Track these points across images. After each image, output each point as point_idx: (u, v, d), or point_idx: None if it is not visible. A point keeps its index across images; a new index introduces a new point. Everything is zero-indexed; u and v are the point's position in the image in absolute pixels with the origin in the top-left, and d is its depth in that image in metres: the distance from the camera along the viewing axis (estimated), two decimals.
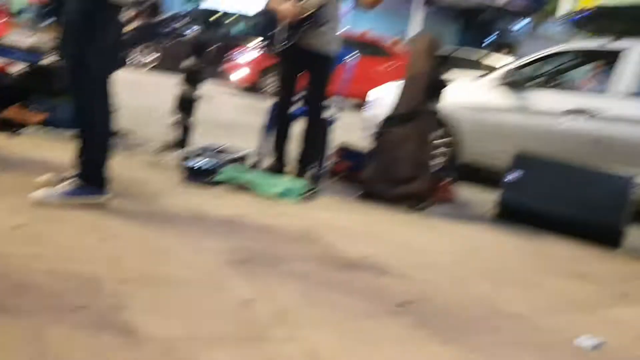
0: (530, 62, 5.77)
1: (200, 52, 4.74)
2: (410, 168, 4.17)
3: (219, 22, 14.56)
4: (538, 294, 2.87)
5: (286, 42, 4.07)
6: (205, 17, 14.68)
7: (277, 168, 4.24)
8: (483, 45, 20.61)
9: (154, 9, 14.32)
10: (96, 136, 2.93)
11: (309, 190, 3.96)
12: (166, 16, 14.21)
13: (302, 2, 4.01)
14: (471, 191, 5.21)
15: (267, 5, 4.23)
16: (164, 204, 3.24)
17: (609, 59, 5.48)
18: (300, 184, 3.96)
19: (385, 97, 5.72)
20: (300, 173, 4.21)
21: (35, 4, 14.78)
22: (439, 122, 4.88)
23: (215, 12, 15.14)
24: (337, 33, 4.20)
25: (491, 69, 14.76)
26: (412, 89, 4.36)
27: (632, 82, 5.03)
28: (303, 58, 4.09)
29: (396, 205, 4.10)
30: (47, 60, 4.72)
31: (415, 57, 4.45)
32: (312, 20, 4.02)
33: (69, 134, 4.31)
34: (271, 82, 10.39)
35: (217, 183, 3.85)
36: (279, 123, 4.28)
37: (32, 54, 4.85)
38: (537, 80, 5.98)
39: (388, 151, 4.28)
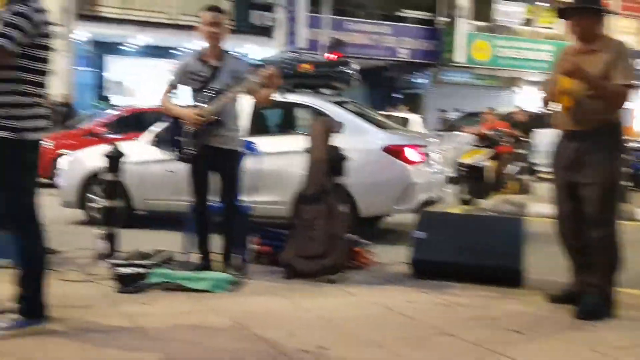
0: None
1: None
2: (325, 242, 4.61)
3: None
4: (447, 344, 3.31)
5: (192, 147, 4.50)
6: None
7: (204, 264, 4.59)
8: (392, 101, 21.71)
9: (69, 114, 14.55)
10: (32, 267, 3.23)
11: (236, 280, 4.33)
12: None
13: (202, 108, 4.46)
14: (384, 251, 5.66)
15: (164, 107, 4.65)
16: (100, 318, 3.53)
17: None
18: (226, 275, 4.33)
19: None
20: (226, 264, 4.58)
21: None
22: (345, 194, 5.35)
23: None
24: (237, 130, 4.68)
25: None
26: (316, 169, 4.85)
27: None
28: (212, 158, 4.53)
29: (317, 281, 4.50)
30: None
31: (314, 140, 4.96)
32: (214, 123, 4.48)
33: (2, 264, 4.56)
34: None
35: (149, 286, 4.16)
36: (198, 222, 4.66)
37: None
38: None
39: (303, 230, 4.72)
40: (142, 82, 20.45)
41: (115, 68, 20.44)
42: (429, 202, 6.59)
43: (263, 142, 5.92)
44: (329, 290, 4.38)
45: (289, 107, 7.08)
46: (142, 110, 11.78)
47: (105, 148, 5.19)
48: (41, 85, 3.24)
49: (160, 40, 19.67)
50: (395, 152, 6.37)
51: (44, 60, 3.21)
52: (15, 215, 3.23)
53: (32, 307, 3.20)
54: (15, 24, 3.03)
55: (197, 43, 16.89)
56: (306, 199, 4.79)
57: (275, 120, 7.43)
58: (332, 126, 4.97)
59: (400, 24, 22.79)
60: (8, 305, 3.30)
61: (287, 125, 7.32)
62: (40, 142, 3.28)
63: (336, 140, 4.95)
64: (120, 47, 20.23)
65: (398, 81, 23.59)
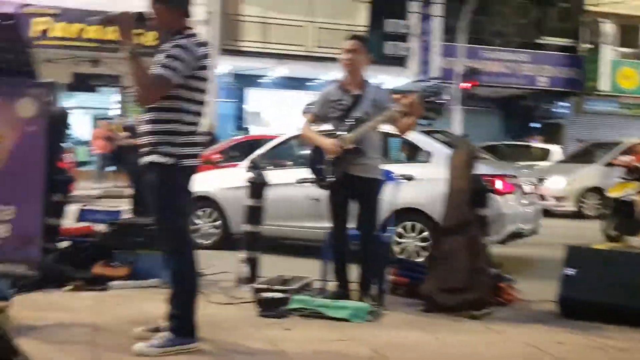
0: (272, 147, 7.52)
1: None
2: (467, 276, 4.46)
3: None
4: None
5: (333, 175, 4.54)
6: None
7: (341, 292, 4.59)
8: (530, 131, 20.95)
9: (211, 143, 15.32)
10: (184, 288, 3.37)
11: (375, 310, 4.28)
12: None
13: (343, 136, 4.50)
14: (529, 287, 5.37)
15: (305, 136, 4.73)
16: (245, 340, 3.62)
17: None
18: (365, 305, 4.29)
19: None
20: (363, 294, 4.54)
21: (98, 154, 16.02)
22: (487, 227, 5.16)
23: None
24: (378, 158, 4.66)
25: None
26: (457, 200, 4.73)
27: None
28: (351, 186, 4.54)
29: (459, 315, 4.35)
30: (125, 217, 5.32)
31: (455, 169, 4.84)
32: (354, 151, 4.50)
33: (152, 284, 4.83)
34: None
35: (289, 312, 4.22)
36: (336, 250, 4.67)
37: (111, 213, 5.48)
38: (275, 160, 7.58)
39: (444, 262, 4.59)
40: (279, 112, 21.17)
41: (254, 99, 21.31)
42: (517, 234, 6.51)
43: None
44: (472, 326, 4.22)
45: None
46: (254, 138, 12.15)
47: (237, 173, 5.32)
48: (199, 114, 3.42)
49: (297, 72, 20.30)
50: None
51: (202, 91, 3.39)
52: (170, 237, 3.40)
53: (183, 326, 3.33)
54: (179, 56, 3.23)
55: (333, 74, 17.23)
56: (446, 230, 4.67)
57: None
58: (475, 154, 4.83)
59: (540, 51, 21.99)
60: (160, 324, 3.46)
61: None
62: (194, 168, 3.45)
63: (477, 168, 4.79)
64: (259, 79, 21.09)
65: (536, 110, 22.70)
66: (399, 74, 20.68)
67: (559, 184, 12.98)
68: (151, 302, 4.33)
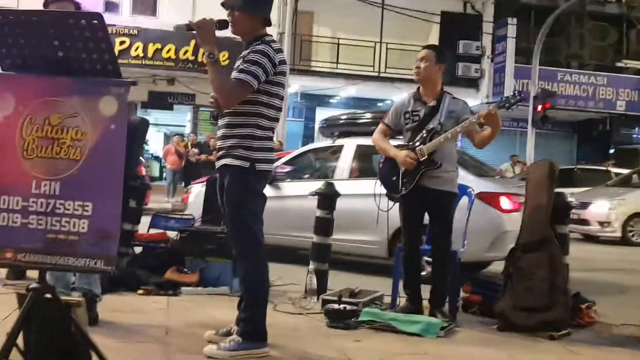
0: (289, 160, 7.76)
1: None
2: (546, 295, 4.26)
3: None
4: None
5: (406, 187, 4.44)
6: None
7: (412, 306, 4.46)
8: (607, 157, 20.24)
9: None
10: (255, 292, 3.34)
11: (447, 326, 4.14)
12: None
13: (417, 148, 4.41)
14: (611, 310, 5.09)
15: (377, 147, 4.65)
16: (315, 349, 3.55)
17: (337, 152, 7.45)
18: (437, 320, 4.15)
19: None
20: (434, 310, 4.40)
21: (169, 170, 16.42)
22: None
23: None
24: (454, 171, 4.53)
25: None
26: (537, 215, 4.54)
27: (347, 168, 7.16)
28: (424, 199, 4.43)
29: (535, 335, 4.16)
30: (196, 225, 5.37)
31: (535, 184, 4.66)
32: (428, 164, 4.39)
33: (221, 291, 4.85)
34: None
35: (359, 324, 4.12)
36: (407, 264, 4.55)
37: (182, 220, 5.55)
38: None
39: (521, 280, 4.40)
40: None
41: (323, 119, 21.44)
42: None
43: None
44: (550, 347, 4.01)
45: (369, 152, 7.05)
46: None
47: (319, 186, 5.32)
48: (275, 120, 3.42)
49: (366, 92, 20.34)
50: (488, 199, 6.29)
51: (280, 97, 3.40)
52: (242, 240, 3.38)
53: (253, 330, 3.29)
54: (258, 61, 3.25)
55: (401, 95, 17.17)
56: (525, 246, 4.48)
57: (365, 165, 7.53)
58: (556, 170, 4.63)
59: (618, 74, 21.27)
60: (231, 328, 3.43)
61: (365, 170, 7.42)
62: (269, 172, 3.44)
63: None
64: (329, 99, 21.22)
65: (614, 134, 21.90)
66: (471, 95, 20.39)
67: (602, 208, 12.35)
68: (220, 309, 4.35)
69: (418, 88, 4.61)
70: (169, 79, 17.95)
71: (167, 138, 19.38)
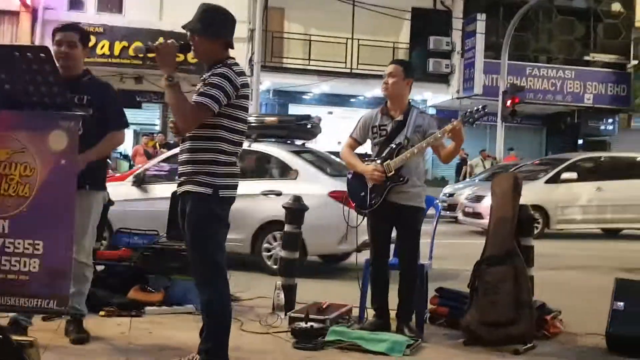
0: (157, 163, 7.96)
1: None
2: (511, 310, 4.26)
3: None
4: None
5: (374, 202, 4.41)
6: None
7: (379, 323, 4.43)
8: (575, 149, 20.49)
9: None
10: (216, 321, 3.27)
11: (412, 343, 4.12)
12: None
13: (385, 163, 4.37)
14: (576, 320, 5.12)
15: (345, 161, 4.63)
16: None
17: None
18: (403, 338, 4.13)
19: None
20: (401, 325, 4.38)
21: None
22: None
23: None
24: (421, 186, 4.51)
25: None
26: (502, 228, 4.53)
27: None
28: (392, 213, 4.40)
29: (501, 350, 4.16)
30: (160, 242, 5.27)
31: (501, 197, 4.65)
32: (395, 179, 4.36)
33: (186, 310, 4.78)
34: None
35: (326, 343, 4.08)
36: (375, 278, 4.52)
37: (146, 236, 5.45)
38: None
39: (486, 294, 4.40)
40: (322, 129, 21.07)
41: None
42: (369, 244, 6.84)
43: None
44: None
45: (252, 155, 7.65)
46: None
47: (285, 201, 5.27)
48: (239, 144, 3.34)
49: (339, 88, 20.29)
50: (339, 197, 6.47)
51: (242, 121, 3.32)
52: (204, 269, 3.31)
53: (217, 355, 3.23)
54: (218, 85, 3.17)
55: (374, 91, 17.17)
56: (490, 260, 4.48)
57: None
58: (520, 182, 4.63)
59: (586, 68, 21.50)
60: (194, 357, 3.37)
61: (251, 172, 7.65)
62: (232, 198, 3.36)
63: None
64: (302, 95, 21.13)
65: (582, 127, 22.15)
66: (442, 91, 20.51)
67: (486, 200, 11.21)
68: (185, 330, 4.28)
69: (385, 102, 4.57)
70: (136, 77, 17.69)
71: (137, 135, 19.12)
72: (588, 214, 12.32)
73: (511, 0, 20.12)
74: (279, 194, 6.90)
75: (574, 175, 12.30)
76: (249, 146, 7.18)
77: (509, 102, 17.41)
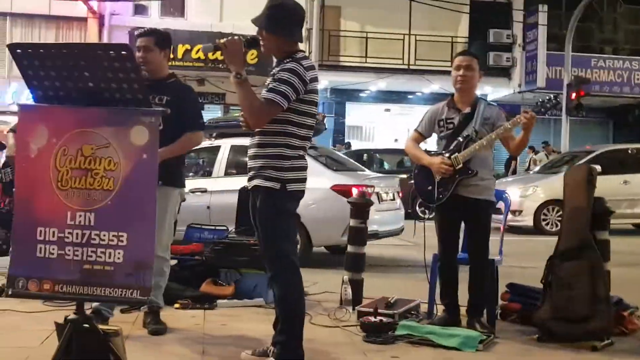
0: None
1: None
2: (587, 305, 4.14)
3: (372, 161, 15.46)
4: None
5: (442, 196, 4.36)
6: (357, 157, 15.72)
7: (449, 318, 4.39)
8: None
9: None
10: (290, 313, 3.30)
11: (485, 339, 4.06)
12: None
13: (452, 156, 4.32)
14: None
15: (410, 155, 4.60)
16: None
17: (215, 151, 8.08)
18: (475, 333, 4.08)
19: None
20: (472, 320, 4.32)
21: None
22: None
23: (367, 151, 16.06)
24: (490, 179, 4.44)
25: None
26: (576, 221, 4.41)
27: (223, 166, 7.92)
28: (460, 207, 4.34)
29: (577, 346, 4.05)
30: (231, 236, 5.36)
31: (574, 188, 4.53)
32: (463, 172, 4.31)
33: (256, 303, 4.85)
34: None
35: (396, 338, 4.07)
36: (444, 274, 4.48)
37: (216, 231, 5.55)
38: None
39: (561, 289, 4.29)
40: (379, 126, 21.08)
41: (354, 113, 21.35)
42: (374, 235, 7.14)
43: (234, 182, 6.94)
44: (592, 357, 3.91)
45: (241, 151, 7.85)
46: None
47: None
48: (307, 138, 3.36)
49: (396, 85, 20.16)
50: (341, 191, 7.03)
51: (310, 115, 3.33)
52: (274, 262, 3.35)
53: (289, 352, 3.27)
54: (287, 80, 3.19)
55: (431, 87, 16.96)
56: (564, 254, 4.37)
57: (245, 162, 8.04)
58: (595, 174, 4.49)
59: None
60: (268, 349, 3.41)
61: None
62: (301, 192, 3.39)
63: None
64: (359, 93, 21.10)
65: None
66: (502, 85, 20.11)
67: (514, 196, 10.89)
68: (256, 322, 4.35)
69: (452, 95, 4.52)
70: (199, 80, 17.99)
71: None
72: (617, 209, 11.75)
73: None
74: None
75: (597, 168, 11.79)
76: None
77: (573, 95, 16.91)
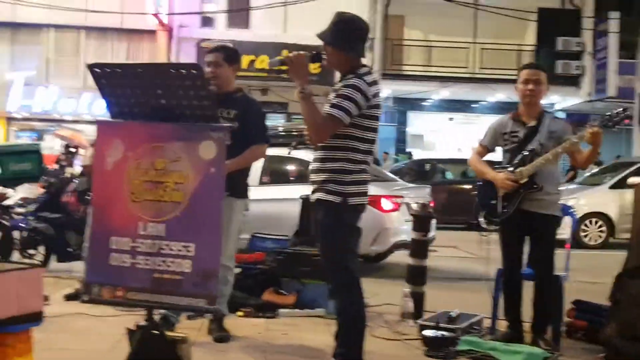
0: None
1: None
2: None
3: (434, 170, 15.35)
4: None
5: (506, 210, 4.32)
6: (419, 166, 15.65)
7: (512, 334, 4.33)
8: None
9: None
10: (351, 325, 3.35)
11: (550, 356, 3.99)
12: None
13: (517, 170, 4.28)
14: None
15: (474, 168, 4.58)
16: None
17: None
18: (539, 350, 4.02)
19: None
20: (536, 337, 4.26)
21: None
22: None
23: (429, 160, 15.98)
24: (557, 194, 4.37)
25: None
26: None
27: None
28: (525, 222, 4.29)
29: None
30: (292, 247, 5.46)
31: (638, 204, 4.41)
32: (529, 186, 4.26)
33: (317, 313, 4.91)
34: None
35: (458, 354, 4.05)
36: (508, 289, 4.43)
37: (279, 241, 5.65)
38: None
39: (630, 307, 4.18)
40: (442, 135, 20.90)
41: (416, 122, 21.26)
42: (401, 245, 7.22)
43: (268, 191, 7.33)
44: None
45: (292, 162, 8.04)
46: None
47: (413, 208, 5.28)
48: (369, 152, 3.40)
49: (459, 94, 19.96)
50: (370, 201, 6.36)
51: (373, 130, 3.37)
52: (336, 274, 3.40)
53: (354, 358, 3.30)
54: (349, 96, 3.24)
55: (496, 96, 16.71)
56: (633, 271, 4.25)
57: (279, 171, 8.28)
58: None
59: None
60: (327, 357, 3.46)
61: (291, 177, 8.11)
62: (363, 206, 3.43)
63: None
64: (421, 102, 21.00)
65: None
66: (571, 93, 19.61)
67: None
68: (317, 333, 4.41)
69: (517, 108, 4.48)
70: (262, 89, 18.33)
71: None
72: None
73: None
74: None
75: None
76: (289, 153, 7.64)
77: None
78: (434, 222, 8.26)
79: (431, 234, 8.06)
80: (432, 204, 8.42)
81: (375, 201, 7.07)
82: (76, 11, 18.16)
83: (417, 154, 19.15)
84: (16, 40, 19.52)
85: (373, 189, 7.42)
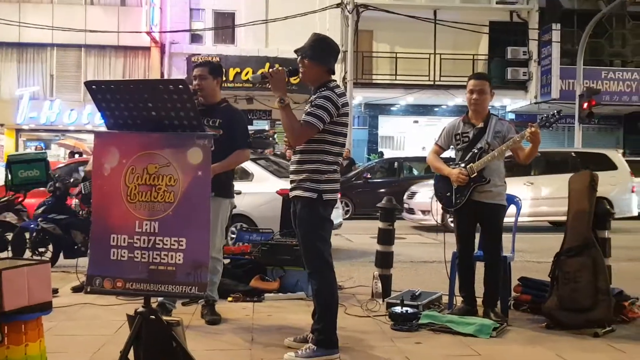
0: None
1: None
2: (590, 297, 4.15)
3: (402, 167, 15.44)
4: None
5: (459, 201, 4.43)
6: (389, 164, 15.73)
7: (467, 308, 4.44)
8: None
9: (349, 166, 15.63)
10: (326, 305, 3.43)
11: (499, 327, 4.11)
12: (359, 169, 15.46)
13: (468, 166, 4.39)
14: None
15: (432, 166, 4.68)
16: (381, 353, 3.61)
17: None
18: (489, 321, 4.13)
19: None
20: (487, 310, 4.37)
21: None
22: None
23: (398, 159, 16.05)
24: (502, 185, 4.48)
25: None
26: (580, 222, 4.42)
27: None
28: (475, 211, 4.40)
29: (581, 333, 4.07)
30: (275, 238, 5.51)
31: (577, 192, 4.54)
32: (478, 180, 4.37)
33: (298, 296, 4.97)
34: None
35: (420, 326, 4.15)
36: (462, 269, 4.54)
37: (263, 234, 5.70)
38: None
39: (566, 282, 4.31)
40: (408, 136, 21.05)
41: (385, 125, 21.38)
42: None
43: None
44: (594, 344, 3.92)
45: None
46: None
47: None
48: (339, 154, 3.50)
49: (423, 99, 20.12)
50: (284, 194, 7.12)
51: (343, 135, 3.47)
52: (312, 260, 3.48)
53: (326, 338, 3.39)
54: (322, 106, 3.34)
55: (455, 101, 16.88)
56: (569, 251, 4.38)
57: None
58: (597, 179, 4.50)
59: None
60: (308, 336, 3.54)
61: None
62: (335, 200, 3.51)
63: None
64: (390, 107, 21.12)
65: None
66: (520, 97, 19.90)
67: (425, 198, 10.86)
68: (298, 313, 4.48)
69: (467, 112, 4.58)
70: (248, 98, 18.32)
71: None
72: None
73: (584, 9, 19.27)
74: (238, 192, 6.64)
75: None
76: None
77: (585, 105, 16.63)
78: (340, 210, 8.43)
79: (338, 220, 8.55)
80: (339, 195, 8.69)
81: (287, 194, 7.12)
82: (77, 31, 18.02)
83: (388, 153, 19.27)
84: (22, 59, 19.32)
85: (285, 184, 7.35)
